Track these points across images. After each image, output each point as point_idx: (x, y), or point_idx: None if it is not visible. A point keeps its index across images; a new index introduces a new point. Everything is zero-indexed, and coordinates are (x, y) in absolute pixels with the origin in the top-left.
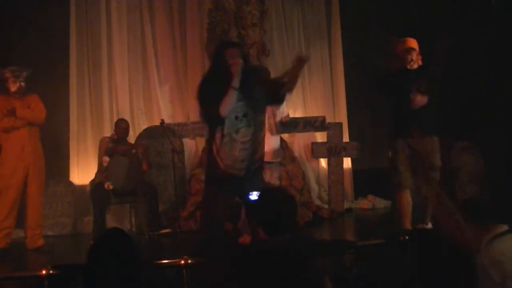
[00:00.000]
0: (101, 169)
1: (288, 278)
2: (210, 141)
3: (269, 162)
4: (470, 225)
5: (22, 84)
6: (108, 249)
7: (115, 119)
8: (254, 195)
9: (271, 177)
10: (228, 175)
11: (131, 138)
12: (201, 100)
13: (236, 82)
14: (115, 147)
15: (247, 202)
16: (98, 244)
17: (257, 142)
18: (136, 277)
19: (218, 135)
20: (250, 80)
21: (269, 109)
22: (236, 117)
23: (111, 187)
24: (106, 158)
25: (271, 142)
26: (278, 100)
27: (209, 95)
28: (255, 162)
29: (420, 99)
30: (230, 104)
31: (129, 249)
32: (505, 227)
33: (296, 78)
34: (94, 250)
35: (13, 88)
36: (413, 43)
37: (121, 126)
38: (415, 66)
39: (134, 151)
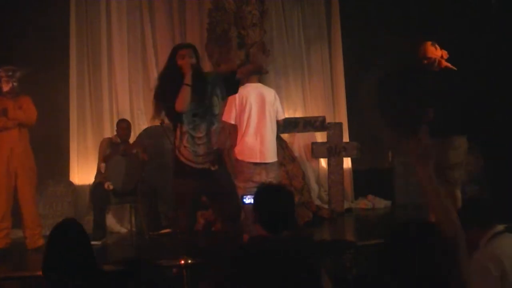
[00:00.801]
0: (99, 173)
1: (287, 278)
2: (175, 137)
3: (266, 163)
4: (471, 224)
5: (15, 84)
6: (61, 237)
7: (115, 119)
8: (248, 199)
9: (267, 177)
10: (191, 169)
11: (131, 138)
12: (158, 100)
13: (188, 79)
14: (112, 153)
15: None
16: (52, 234)
17: (211, 134)
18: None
19: (178, 132)
20: (203, 77)
21: (229, 101)
22: (194, 114)
23: (111, 187)
24: (103, 165)
25: (267, 142)
26: (232, 88)
27: (165, 93)
28: (212, 153)
29: (431, 116)
30: (185, 101)
31: (81, 236)
32: (501, 227)
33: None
34: (49, 239)
35: (6, 88)
36: (425, 50)
37: (122, 126)
38: (437, 69)
39: (134, 151)
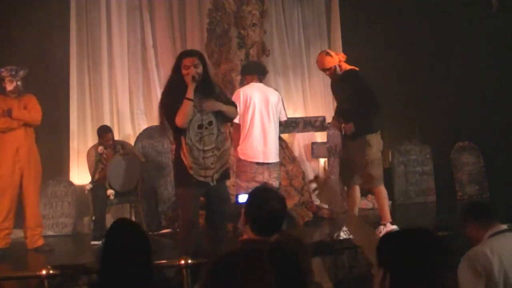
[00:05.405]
0: (93, 178)
1: (276, 281)
2: (177, 147)
3: (269, 163)
4: (472, 224)
5: (19, 83)
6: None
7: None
8: (242, 197)
9: (269, 177)
10: (194, 180)
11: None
12: (161, 112)
13: (190, 93)
14: (104, 170)
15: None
16: (113, 227)
17: (221, 150)
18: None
19: (181, 144)
20: (211, 85)
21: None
22: (200, 126)
23: (112, 197)
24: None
25: (270, 143)
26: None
27: (167, 106)
28: (219, 170)
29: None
30: (185, 116)
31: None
32: (503, 226)
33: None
34: (110, 231)
35: (10, 87)
36: (322, 62)
37: (108, 137)
38: (339, 74)
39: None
